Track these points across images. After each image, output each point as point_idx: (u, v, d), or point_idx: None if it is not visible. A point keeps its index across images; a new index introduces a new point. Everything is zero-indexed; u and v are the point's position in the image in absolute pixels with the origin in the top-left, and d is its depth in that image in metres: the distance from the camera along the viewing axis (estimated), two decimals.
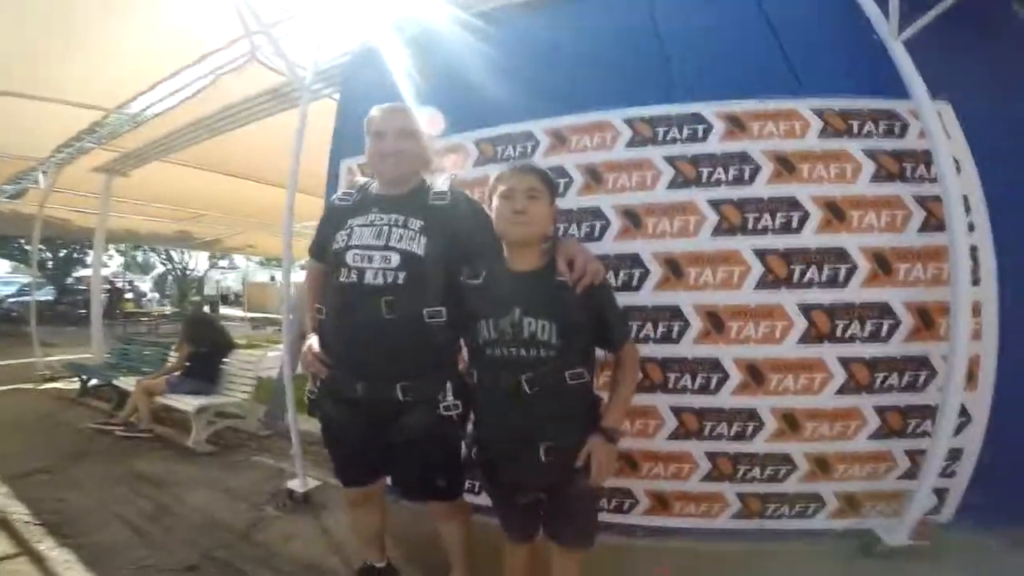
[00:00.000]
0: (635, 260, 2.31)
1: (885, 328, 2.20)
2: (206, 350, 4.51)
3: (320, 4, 3.50)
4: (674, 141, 2.38)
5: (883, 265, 2.21)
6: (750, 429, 2.25)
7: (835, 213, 2.25)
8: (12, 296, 15.52)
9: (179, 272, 24.38)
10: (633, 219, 2.35)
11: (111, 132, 5.57)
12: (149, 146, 5.26)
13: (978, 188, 2.31)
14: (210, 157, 5.54)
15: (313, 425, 3.13)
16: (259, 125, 4.57)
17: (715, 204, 2.29)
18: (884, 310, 2.21)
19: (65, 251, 19.07)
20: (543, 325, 1.36)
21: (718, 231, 2.27)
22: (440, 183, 1.68)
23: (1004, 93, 2.46)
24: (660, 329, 2.29)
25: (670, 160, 2.36)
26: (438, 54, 3.10)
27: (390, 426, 1.54)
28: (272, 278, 25.13)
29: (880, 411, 2.21)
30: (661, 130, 2.41)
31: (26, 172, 6.77)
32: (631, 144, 2.42)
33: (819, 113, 2.38)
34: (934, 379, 2.19)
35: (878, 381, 2.21)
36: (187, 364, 4.50)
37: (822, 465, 2.24)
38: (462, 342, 1.61)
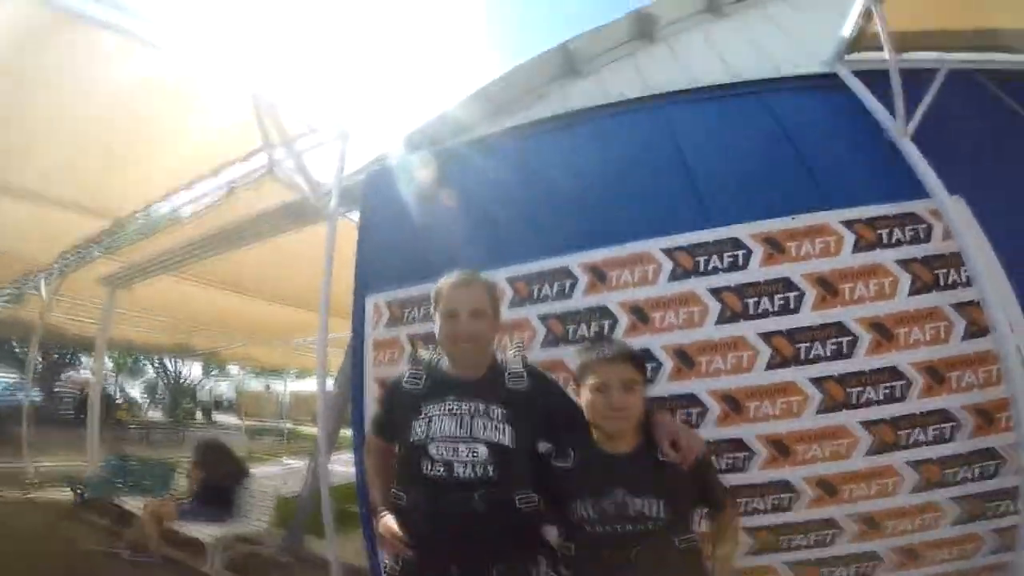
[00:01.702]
0: (692, 399, 2.28)
1: (948, 430, 2.18)
2: (220, 478, 4.35)
3: (343, 118, 3.48)
4: (716, 271, 2.38)
5: (936, 377, 2.20)
6: (829, 536, 2.20)
7: (882, 333, 2.25)
8: None
9: (172, 380, 24.02)
10: (685, 360, 2.32)
11: (119, 241, 5.49)
12: (156, 259, 5.19)
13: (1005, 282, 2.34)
14: (217, 272, 5.46)
15: (350, 554, 3.05)
16: (269, 242, 4.54)
17: (766, 337, 2.28)
18: (945, 416, 2.18)
19: (57, 355, 18.66)
20: (650, 503, 1.40)
21: (772, 364, 2.25)
22: (513, 361, 1.67)
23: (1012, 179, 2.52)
24: (725, 461, 2.27)
25: (715, 292, 2.36)
26: (458, 176, 3.09)
27: None
28: (267, 387, 24.99)
29: (958, 500, 2.17)
30: (702, 259, 2.40)
31: (27, 276, 6.64)
32: (674, 277, 2.42)
33: (849, 225, 2.40)
34: (1004, 465, 2.16)
35: (949, 476, 2.17)
36: (199, 491, 4.33)
37: (910, 555, 2.19)
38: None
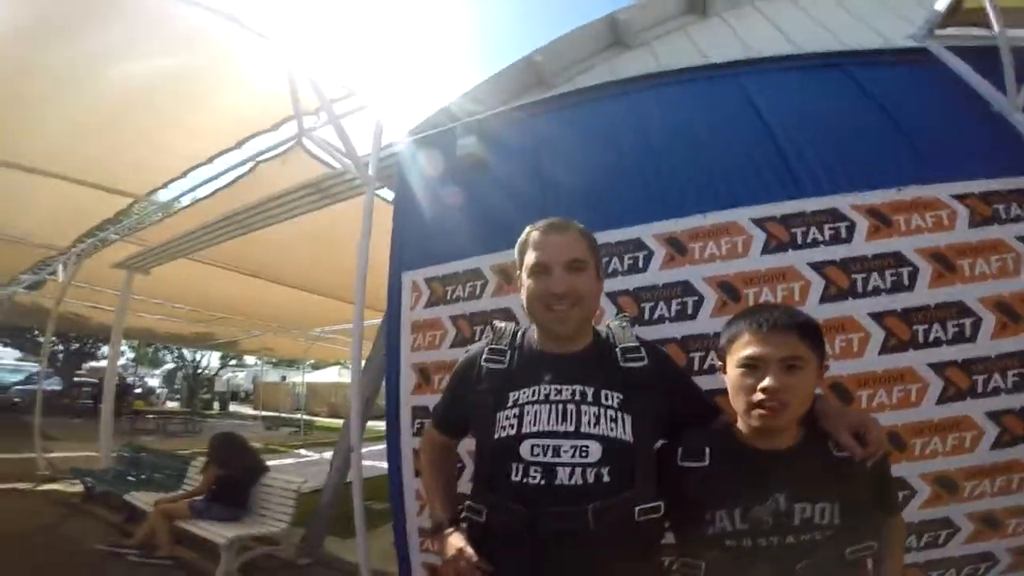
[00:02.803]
0: None
1: None
2: (236, 474, 4.04)
3: (386, 79, 3.22)
4: (816, 244, 2.09)
5: None
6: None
7: (1008, 314, 1.95)
8: (19, 384, 15.04)
9: (190, 370, 23.96)
10: None
11: (136, 222, 5.26)
12: (175, 242, 4.92)
13: None
14: (238, 256, 5.19)
15: (385, 563, 2.76)
16: (293, 224, 4.25)
17: (878, 317, 1.98)
18: None
19: (78, 344, 18.56)
20: (822, 509, 1.07)
21: (886, 348, 1.94)
22: (623, 333, 1.32)
23: None
24: None
25: (817, 267, 2.06)
26: (508, 144, 2.84)
27: None
28: (283, 378, 24.87)
29: None
30: (798, 231, 2.11)
31: (46, 262, 6.42)
32: (767, 250, 2.12)
33: (961, 199, 2.12)
34: None
35: None
36: (213, 488, 4.01)
37: None
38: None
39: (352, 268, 2.91)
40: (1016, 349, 1.91)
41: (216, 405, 23.59)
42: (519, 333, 1.35)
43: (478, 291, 2.51)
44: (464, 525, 1.27)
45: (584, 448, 1.13)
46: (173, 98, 3.30)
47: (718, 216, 2.21)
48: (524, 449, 1.16)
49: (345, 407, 21.52)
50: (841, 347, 1.96)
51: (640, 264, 2.24)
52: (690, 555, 1.18)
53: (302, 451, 10.48)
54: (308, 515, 3.99)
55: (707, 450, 1.19)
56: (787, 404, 1.08)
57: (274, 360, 24.87)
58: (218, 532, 3.51)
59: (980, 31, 2.41)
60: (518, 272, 1.33)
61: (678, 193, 2.34)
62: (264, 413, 18.31)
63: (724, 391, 1.22)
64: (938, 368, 1.92)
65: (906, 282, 2.00)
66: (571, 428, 1.15)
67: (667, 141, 2.48)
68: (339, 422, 18.77)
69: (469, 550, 1.16)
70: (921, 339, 1.95)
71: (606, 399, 1.18)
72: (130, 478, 5.05)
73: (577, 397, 1.18)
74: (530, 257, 1.26)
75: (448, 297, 2.60)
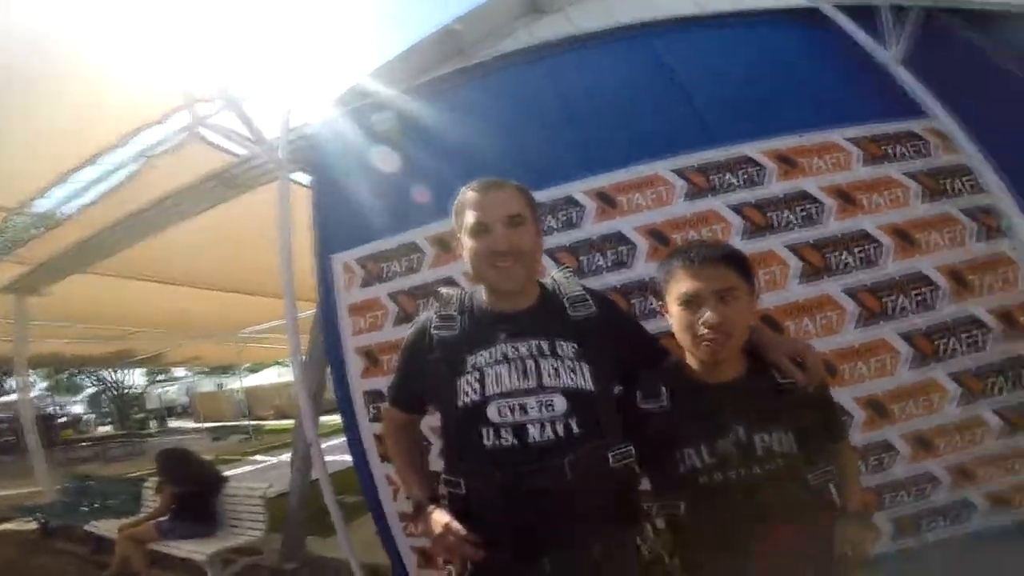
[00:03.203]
0: None
1: (980, 337, 2.07)
2: (193, 489, 3.78)
3: (292, 57, 3.01)
4: (733, 188, 2.20)
5: (960, 280, 2.11)
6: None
7: (905, 239, 2.14)
8: None
9: (115, 390, 21.84)
10: None
11: (13, 239, 4.63)
12: (65, 255, 4.39)
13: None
14: (145, 263, 4.70)
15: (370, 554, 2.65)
16: (202, 221, 3.90)
17: (794, 248, 2.11)
18: (974, 322, 2.08)
19: None
20: (779, 438, 1.11)
21: (804, 277, 2.08)
22: (569, 284, 1.30)
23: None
24: None
25: (736, 208, 2.16)
26: (432, 116, 2.77)
27: None
28: (220, 386, 23.50)
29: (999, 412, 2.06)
30: (715, 178, 2.22)
31: None
32: (689, 196, 2.21)
33: (855, 141, 2.31)
34: None
35: (988, 387, 2.07)
36: (174, 506, 3.77)
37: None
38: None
39: (273, 261, 2.71)
40: (913, 271, 2.11)
41: (153, 423, 22.01)
42: (466, 297, 1.31)
43: (416, 264, 2.46)
44: (444, 500, 1.22)
45: (549, 402, 1.12)
46: (34, 98, 2.90)
47: (641, 169, 2.28)
48: (492, 412, 1.12)
49: (292, 407, 20.45)
50: (766, 280, 2.07)
51: (574, 219, 2.28)
52: (668, 496, 1.19)
53: (257, 457, 10.05)
54: (282, 519, 3.74)
55: (663, 389, 1.20)
56: (729, 334, 1.11)
57: (206, 369, 23.25)
58: (196, 550, 3.33)
59: None
60: (458, 235, 1.27)
61: (601, 150, 2.39)
62: (207, 425, 17.17)
63: (668, 333, 1.25)
64: (852, 292, 2.08)
65: (815, 216, 2.15)
66: (534, 384, 1.13)
67: (587, 101, 2.54)
68: (289, 423, 17.87)
69: (455, 524, 1.12)
70: (833, 266, 2.10)
71: (562, 350, 1.17)
72: (83, 508, 4.80)
73: (535, 352, 1.16)
74: (469, 217, 1.21)
75: (384, 275, 2.52)
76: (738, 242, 2.11)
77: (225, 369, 22.87)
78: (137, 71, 2.83)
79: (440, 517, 1.16)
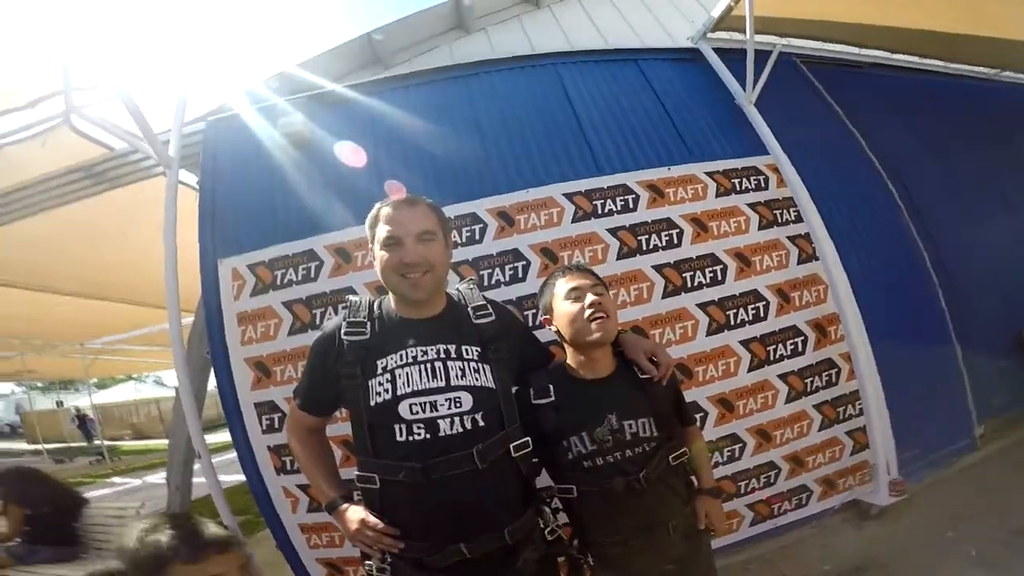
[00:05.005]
0: None
1: (799, 344, 2.55)
2: (46, 510, 3.36)
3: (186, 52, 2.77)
4: (611, 213, 2.48)
5: (784, 297, 2.58)
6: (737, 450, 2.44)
7: (743, 261, 2.58)
8: None
9: None
10: None
11: None
12: None
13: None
14: None
15: (274, 572, 2.54)
16: (44, 216, 3.45)
17: (658, 268, 2.45)
18: (795, 331, 2.56)
19: None
20: (643, 423, 1.34)
21: (666, 293, 2.43)
22: (471, 295, 1.44)
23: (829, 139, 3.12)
24: None
25: (613, 232, 2.45)
26: (344, 123, 2.75)
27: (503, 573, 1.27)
28: (60, 403, 20.18)
29: (818, 407, 2.54)
30: (598, 203, 2.49)
31: None
32: (576, 219, 2.46)
33: (711, 175, 2.71)
34: (842, 372, 2.59)
35: (809, 385, 2.54)
36: (26, 529, 3.31)
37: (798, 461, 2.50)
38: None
39: (136, 263, 2.54)
40: (749, 288, 2.55)
41: None
42: (375, 304, 1.38)
43: (313, 273, 2.42)
44: (358, 497, 1.31)
45: (457, 399, 1.23)
46: None
47: (538, 192, 2.50)
48: (403, 409, 1.22)
49: (150, 427, 18.35)
50: (635, 294, 2.39)
51: (476, 236, 2.42)
52: (561, 481, 1.40)
53: (115, 479, 9.03)
54: None
55: (551, 387, 1.40)
56: (610, 315, 1.38)
57: (41, 384, 20.03)
58: (66, 574, 3.03)
59: (739, 36, 3.00)
60: (371, 245, 1.36)
61: (504, 171, 2.57)
62: (46, 446, 14.88)
63: (553, 342, 1.48)
64: (703, 306, 2.47)
65: (676, 241, 2.52)
66: (442, 383, 1.24)
67: (495, 123, 2.71)
68: (149, 443, 16.01)
69: (371, 518, 1.21)
70: (689, 284, 2.47)
71: (467, 353, 1.29)
72: None
73: (442, 355, 1.27)
74: (382, 231, 1.30)
75: (279, 282, 2.44)
76: (613, 262, 2.42)
77: (67, 383, 19.96)
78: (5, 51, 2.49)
79: (354, 513, 1.25)
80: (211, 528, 1.13)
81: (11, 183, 3.21)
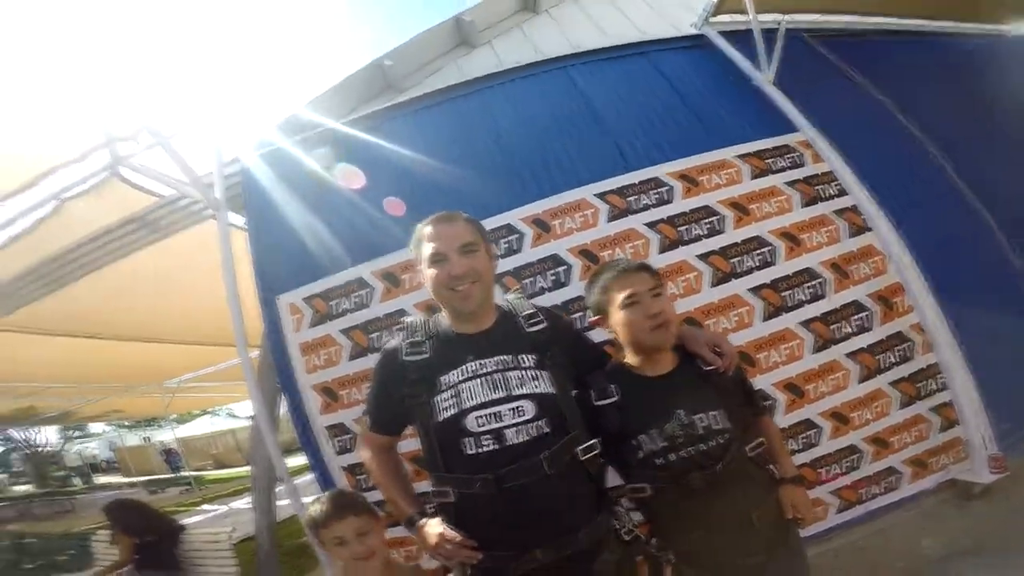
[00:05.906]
0: None
1: (865, 319, 2.42)
2: (151, 538, 3.61)
3: (221, 93, 2.94)
4: (647, 207, 2.47)
5: (842, 272, 2.47)
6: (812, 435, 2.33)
7: (792, 240, 2.49)
8: None
9: (26, 450, 19.88)
10: None
11: None
12: None
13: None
14: (49, 315, 4.30)
15: None
16: (115, 268, 3.69)
17: (703, 257, 2.40)
18: (858, 306, 2.43)
19: None
20: (714, 416, 1.31)
21: (716, 281, 2.38)
22: (521, 304, 1.47)
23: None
24: None
25: (651, 226, 2.43)
26: (370, 150, 2.84)
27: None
28: (147, 439, 21.97)
29: (895, 384, 2.39)
30: (632, 199, 2.48)
31: None
32: (612, 218, 2.46)
33: (743, 157, 2.65)
34: (915, 345, 2.43)
35: (883, 361, 2.41)
36: (136, 557, 3.55)
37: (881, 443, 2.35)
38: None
39: (200, 305, 2.67)
40: (802, 267, 2.45)
41: (77, 480, 20.69)
42: (430, 323, 1.43)
43: (365, 300, 2.51)
44: (432, 511, 1.34)
45: (520, 408, 1.25)
46: None
47: (570, 195, 2.50)
48: (470, 423, 1.25)
49: (229, 456, 19.43)
50: (683, 286, 2.35)
51: (515, 246, 2.45)
52: (633, 481, 1.37)
53: (205, 507, 9.62)
54: (248, 564, 3.60)
55: (612, 387, 1.38)
56: (671, 321, 1.36)
57: (127, 423, 21.65)
58: None
59: (741, 17, 2.95)
60: (418, 266, 1.41)
61: (533, 178, 2.59)
62: (139, 479, 16.31)
63: (607, 342, 1.45)
64: (756, 291, 2.39)
65: (718, 227, 2.46)
66: (503, 394, 1.26)
67: (515, 132, 2.75)
68: (231, 472, 16.81)
69: (450, 531, 1.23)
70: (738, 269, 2.41)
71: (524, 362, 1.32)
72: (25, 566, 4.63)
73: (500, 367, 1.30)
74: (426, 249, 1.35)
75: (335, 312, 2.55)
76: (656, 255, 2.38)
77: (149, 421, 21.47)
78: (52, 106, 2.71)
79: (433, 527, 1.27)
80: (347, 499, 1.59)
81: (73, 239, 3.46)
